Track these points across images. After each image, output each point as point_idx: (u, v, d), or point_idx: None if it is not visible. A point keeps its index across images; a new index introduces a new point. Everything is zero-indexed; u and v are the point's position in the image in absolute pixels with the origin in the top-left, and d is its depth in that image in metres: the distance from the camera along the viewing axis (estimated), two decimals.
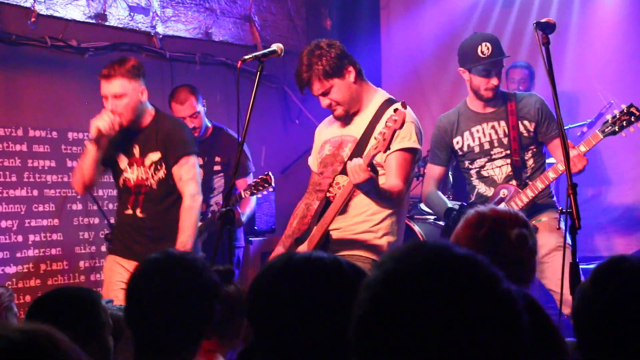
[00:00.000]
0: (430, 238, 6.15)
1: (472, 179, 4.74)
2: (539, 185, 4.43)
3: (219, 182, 5.79)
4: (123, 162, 4.78)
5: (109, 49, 6.67)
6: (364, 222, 4.06)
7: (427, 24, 8.27)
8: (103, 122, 4.56)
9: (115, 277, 4.69)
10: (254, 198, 5.54)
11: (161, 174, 4.70)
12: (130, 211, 4.75)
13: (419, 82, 8.54)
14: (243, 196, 5.28)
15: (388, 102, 4.13)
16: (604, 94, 6.49)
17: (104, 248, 6.38)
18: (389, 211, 4.04)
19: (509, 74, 6.96)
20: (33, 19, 6.17)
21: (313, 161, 4.49)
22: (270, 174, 5.09)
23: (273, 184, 5.08)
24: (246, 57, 3.88)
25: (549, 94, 3.58)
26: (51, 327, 1.45)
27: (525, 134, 4.62)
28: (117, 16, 6.78)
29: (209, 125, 5.89)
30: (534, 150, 4.66)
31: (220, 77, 7.42)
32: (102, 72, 4.65)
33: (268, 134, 7.71)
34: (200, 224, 5.62)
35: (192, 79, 7.13)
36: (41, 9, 6.24)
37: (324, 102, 4.13)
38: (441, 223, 6.45)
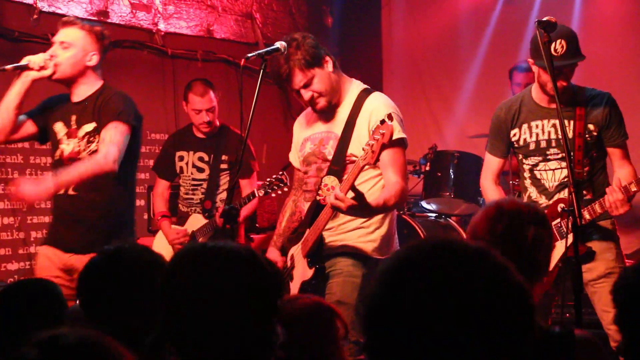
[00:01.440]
0: (432, 235, 6.16)
1: (525, 175, 4.40)
2: (598, 209, 4.09)
3: (225, 179, 5.78)
4: (61, 131, 4.36)
5: (111, 46, 6.67)
6: (355, 220, 4.03)
7: (429, 21, 8.29)
8: (36, 57, 4.18)
9: (46, 273, 4.20)
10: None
11: (94, 146, 4.28)
12: (62, 190, 4.24)
13: (420, 79, 8.55)
14: (256, 195, 5.25)
15: (364, 93, 4.07)
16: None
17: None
18: None
19: (513, 77, 6.92)
20: (35, 16, 6.19)
21: (294, 158, 4.41)
22: (285, 173, 5.06)
23: (288, 184, 5.03)
24: (250, 55, 3.85)
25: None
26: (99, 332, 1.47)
27: (589, 139, 4.27)
28: (119, 13, 6.78)
29: (217, 122, 5.88)
30: (595, 154, 4.31)
31: (221, 74, 7.44)
32: (62, 19, 4.36)
33: (269, 132, 7.72)
34: (205, 221, 5.65)
35: (194, 76, 7.14)
36: (43, 5, 6.25)
37: (306, 94, 4.00)
38: (442, 220, 6.48)
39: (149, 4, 6.99)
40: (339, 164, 3.98)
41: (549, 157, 4.27)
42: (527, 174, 4.39)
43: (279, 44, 3.93)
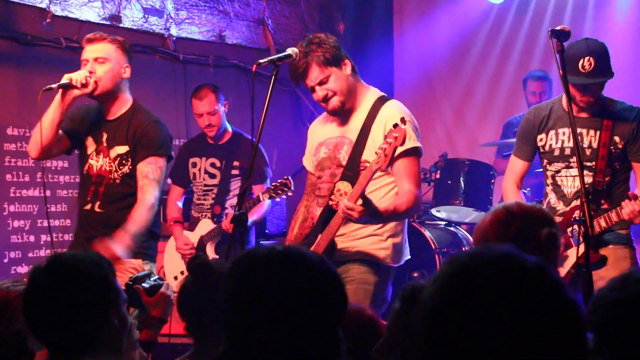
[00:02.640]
0: (441, 244, 6.15)
1: (547, 181, 4.43)
2: (614, 217, 4.10)
3: (235, 185, 5.80)
4: (91, 146, 4.42)
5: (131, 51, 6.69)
6: (368, 226, 4.04)
7: (440, 29, 8.28)
8: (77, 74, 4.19)
9: None
10: (267, 202, 5.51)
11: (126, 169, 4.36)
12: (88, 206, 4.37)
13: (431, 87, 8.54)
14: (261, 199, 5.26)
15: (381, 100, 4.09)
16: None
17: None
18: None
19: (527, 85, 6.90)
20: (48, 20, 6.21)
21: (308, 163, 4.41)
22: (289, 178, 5.06)
23: (292, 188, 5.03)
24: (261, 60, 3.86)
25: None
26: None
27: (614, 150, 4.27)
28: (132, 18, 6.80)
29: (229, 129, 5.88)
30: (618, 167, 4.31)
31: (233, 79, 7.44)
32: (87, 36, 4.38)
33: (280, 137, 7.71)
34: (214, 226, 5.66)
35: (205, 82, 7.15)
36: (56, 10, 6.27)
37: (320, 92, 4.03)
38: (452, 229, 6.46)
39: (161, 9, 7.01)
40: (352, 170, 3.98)
41: (572, 164, 4.27)
42: (549, 180, 4.40)
43: (291, 50, 3.93)
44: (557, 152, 4.34)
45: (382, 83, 8.24)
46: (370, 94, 4.13)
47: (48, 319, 2.32)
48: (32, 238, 6.23)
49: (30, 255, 6.20)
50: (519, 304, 1.32)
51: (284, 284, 1.82)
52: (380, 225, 4.02)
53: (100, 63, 4.27)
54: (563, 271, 4.17)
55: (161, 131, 4.45)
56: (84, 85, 4.20)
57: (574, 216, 4.22)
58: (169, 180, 6.01)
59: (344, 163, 4.06)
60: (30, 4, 6.17)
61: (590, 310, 1.89)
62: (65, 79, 4.17)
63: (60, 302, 2.32)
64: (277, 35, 7.93)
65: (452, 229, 6.46)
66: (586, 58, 4.10)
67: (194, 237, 5.77)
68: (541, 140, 4.41)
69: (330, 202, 4.03)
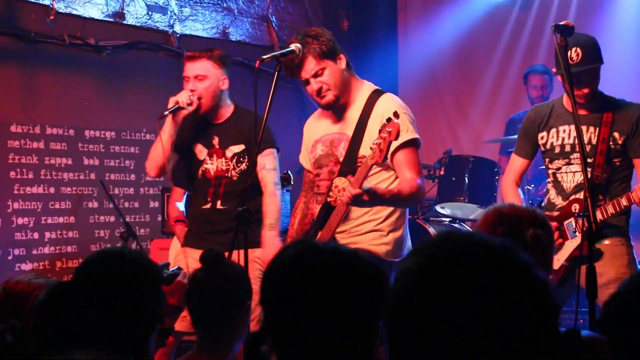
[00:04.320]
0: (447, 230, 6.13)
1: (549, 180, 4.47)
2: (610, 209, 4.12)
3: None
4: (202, 153, 4.69)
5: (126, 48, 6.70)
6: (369, 222, 4.03)
7: (444, 26, 8.26)
8: (182, 96, 4.50)
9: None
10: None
11: (243, 166, 4.63)
12: (208, 205, 4.65)
13: (436, 84, 8.54)
14: None
15: (376, 94, 4.06)
16: None
17: (119, 246, 6.40)
18: (391, 208, 4.02)
19: (529, 80, 6.93)
20: (52, 17, 6.21)
21: (305, 160, 4.43)
22: (289, 172, 5.10)
23: (292, 182, 5.07)
24: (265, 56, 3.85)
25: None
26: None
27: (613, 147, 4.29)
28: (135, 15, 6.80)
29: None
30: (617, 164, 4.33)
31: (236, 76, 7.43)
32: (188, 54, 4.70)
33: (283, 134, 7.69)
34: None
35: None
36: (60, 7, 6.28)
37: (315, 85, 4.01)
38: (457, 225, 6.46)
39: (164, 5, 7.00)
40: (350, 166, 3.97)
41: (572, 161, 4.30)
42: (550, 178, 4.44)
43: (294, 47, 3.93)
44: (557, 150, 4.37)
45: (386, 80, 8.25)
46: (364, 88, 4.12)
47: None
48: (36, 235, 6.24)
49: (34, 252, 6.21)
50: (487, 291, 1.31)
51: (321, 280, 1.83)
52: (380, 220, 4.01)
53: (200, 80, 4.55)
54: (557, 264, 4.18)
55: (268, 127, 4.59)
56: (190, 104, 4.50)
57: (574, 210, 4.24)
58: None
59: (341, 159, 4.06)
60: (33, 1, 6.18)
61: (603, 314, 1.89)
62: (172, 103, 4.47)
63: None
64: (281, 32, 7.92)
65: (456, 225, 6.45)
66: (573, 49, 4.15)
67: None
68: (542, 138, 4.44)
69: (329, 199, 4.03)
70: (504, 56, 7.97)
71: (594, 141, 4.26)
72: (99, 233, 6.57)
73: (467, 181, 6.18)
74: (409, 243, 4.18)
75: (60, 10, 6.27)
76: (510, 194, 4.53)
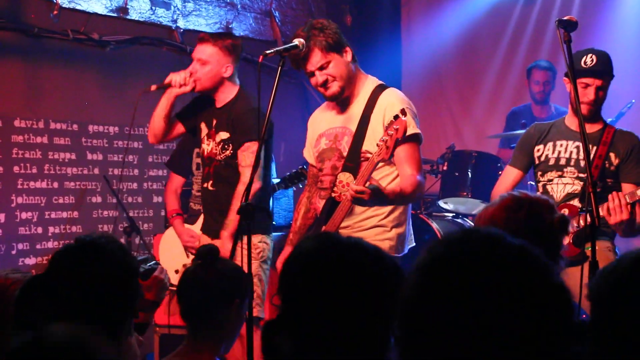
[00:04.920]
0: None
1: (537, 193, 4.54)
2: (600, 212, 4.10)
3: None
4: (204, 131, 4.90)
5: (130, 43, 6.70)
6: (372, 217, 4.05)
7: (448, 22, 8.26)
8: (177, 76, 4.74)
9: None
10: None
11: (228, 152, 4.76)
12: (206, 184, 4.90)
13: (439, 80, 8.53)
14: (276, 188, 5.33)
15: (379, 88, 4.08)
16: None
17: (122, 241, 6.40)
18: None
19: (532, 75, 6.95)
20: (55, 12, 6.21)
21: (309, 154, 4.43)
22: (305, 167, 5.13)
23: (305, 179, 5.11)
24: (268, 51, 3.86)
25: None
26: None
27: (607, 166, 4.40)
28: (139, 10, 6.80)
29: None
30: (609, 184, 4.40)
31: (240, 71, 7.42)
32: (200, 35, 4.86)
33: (287, 130, 7.70)
34: None
35: None
36: (63, 2, 6.28)
37: (320, 77, 4.03)
38: (459, 220, 6.46)
39: (168, 0, 7.01)
40: (353, 161, 3.98)
41: (565, 174, 4.41)
42: (540, 191, 4.54)
43: (297, 41, 3.93)
44: (552, 162, 4.47)
45: (390, 75, 8.23)
46: (368, 83, 4.12)
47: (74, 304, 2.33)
48: (39, 230, 6.24)
49: (38, 247, 6.22)
50: (502, 294, 1.30)
51: (339, 274, 1.82)
52: (384, 216, 4.02)
53: (201, 64, 4.74)
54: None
55: (255, 117, 4.59)
56: (183, 85, 4.75)
57: (565, 211, 4.30)
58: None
59: (345, 154, 4.06)
60: None
61: (591, 288, 1.88)
62: (167, 80, 4.79)
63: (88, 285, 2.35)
64: (284, 27, 7.92)
65: (459, 220, 6.46)
66: (589, 55, 4.31)
67: (195, 229, 5.76)
68: (538, 151, 4.56)
69: (333, 194, 4.04)
70: (507, 52, 7.97)
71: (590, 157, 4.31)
72: (103, 228, 6.57)
73: (470, 176, 6.19)
74: (410, 237, 4.19)
75: (63, 5, 6.27)
76: None
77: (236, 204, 4.56)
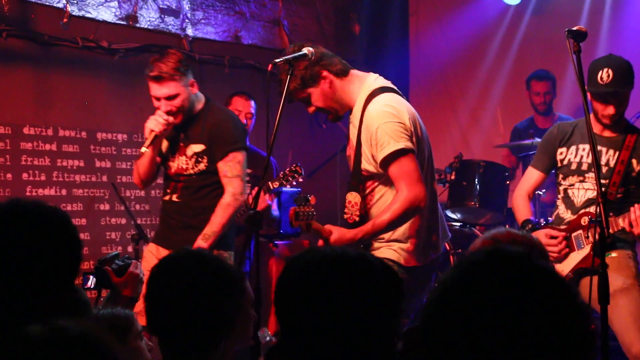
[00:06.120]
0: (456, 245, 6.14)
1: (558, 196, 4.52)
2: (620, 222, 4.15)
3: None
4: (167, 149, 4.78)
5: (139, 51, 6.72)
6: (387, 232, 4.01)
7: (456, 31, 8.26)
8: (158, 124, 4.56)
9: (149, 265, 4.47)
10: None
11: (202, 165, 4.65)
12: (168, 197, 4.75)
13: (447, 89, 8.53)
14: (271, 187, 5.32)
15: (367, 100, 3.96)
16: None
17: (130, 248, 6.41)
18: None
19: (532, 86, 6.95)
20: (65, 20, 6.23)
21: None
22: (299, 164, 5.12)
23: (302, 174, 5.11)
24: (277, 60, 3.87)
25: (579, 101, 3.55)
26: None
27: (630, 172, 4.35)
28: (148, 18, 6.82)
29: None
30: (632, 189, 4.36)
31: (248, 79, 7.45)
32: (151, 74, 4.58)
33: (295, 138, 7.72)
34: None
35: (221, 82, 7.17)
36: (73, 9, 6.30)
37: (311, 109, 4.10)
38: (467, 230, 6.45)
39: (177, 9, 7.03)
40: (357, 179, 3.99)
41: (587, 179, 4.33)
42: (561, 195, 4.46)
43: (306, 50, 3.92)
44: (574, 166, 4.40)
45: (398, 84, 8.15)
46: (363, 91, 4.01)
47: None
48: None
49: None
50: (526, 314, 1.30)
51: (334, 287, 1.82)
52: (389, 234, 3.98)
53: (172, 100, 4.57)
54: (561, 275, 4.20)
55: (235, 127, 4.73)
56: (167, 127, 4.59)
57: (583, 223, 4.26)
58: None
59: (351, 173, 4.10)
60: (47, 3, 6.21)
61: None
62: (148, 133, 4.57)
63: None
64: (293, 36, 7.93)
65: (466, 230, 6.44)
66: (605, 70, 4.19)
67: None
68: (561, 154, 4.48)
69: (345, 216, 4.07)
70: (516, 61, 7.96)
71: (611, 163, 4.30)
72: (111, 235, 6.59)
73: (477, 186, 6.18)
74: (425, 252, 4.09)
75: (73, 13, 6.30)
76: (520, 204, 4.56)
77: (223, 215, 4.56)
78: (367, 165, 3.93)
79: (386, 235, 3.97)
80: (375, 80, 4.07)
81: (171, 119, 4.58)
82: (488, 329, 1.29)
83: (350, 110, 4.07)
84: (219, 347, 2.35)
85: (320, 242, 3.86)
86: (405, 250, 3.97)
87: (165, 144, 4.77)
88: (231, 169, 4.61)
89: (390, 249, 3.97)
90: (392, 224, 3.85)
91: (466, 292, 1.34)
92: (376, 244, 4.01)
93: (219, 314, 2.32)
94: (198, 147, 4.65)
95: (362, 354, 1.79)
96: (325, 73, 3.98)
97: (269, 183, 5.30)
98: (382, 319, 1.82)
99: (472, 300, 1.32)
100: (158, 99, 4.59)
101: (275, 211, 5.85)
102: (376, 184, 3.99)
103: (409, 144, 3.82)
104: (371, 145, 3.85)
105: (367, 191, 4.01)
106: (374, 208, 4.00)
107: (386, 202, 3.92)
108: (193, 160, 4.65)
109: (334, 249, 1.93)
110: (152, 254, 4.71)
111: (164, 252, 4.48)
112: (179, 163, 4.69)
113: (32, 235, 2.10)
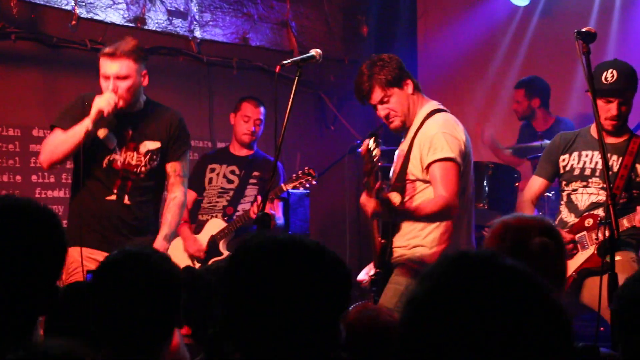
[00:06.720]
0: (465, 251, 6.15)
1: (562, 202, 4.58)
2: (625, 223, 4.20)
3: (251, 192, 5.92)
4: (111, 140, 4.49)
5: (147, 53, 6.71)
6: (415, 237, 4.16)
7: (464, 32, 8.24)
8: (109, 105, 4.32)
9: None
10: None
11: (155, 164, 4.52)
12: (114, 197, 4.48)
13: (455, 91, 8.51)
14: (284, 189, 5.37)
15: (431, 114, 4.22)
16: None
17: None
18: (434, 224, 4.11)
19: (514, 94, 7.05)
20: (74, 22, 6.24)
21: None
22: (312, 168, 5.18)
23: (316, 176, 5.16)
24: (285, 62, 3.89)
25: (587, 102, 3.56)
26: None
27: (633, 177, 4.39)
28: (156, 20, 6.83)
29: (255, 146, 6.14)
30: (635, 194, 4.40)
31: (256, 82, 7.45)
32: (106, 50, 4.46)
33: (303, 140, 7.72)
34: (225, 224, 5.74)
35: (229, 84, 7.18)
36: (82, 12, 6.31)
37: (383, 111, 4.21)
38: (475, 232, 6.44)
39: (185, 11, 7.04)
40: (401, 181, 4.16)
41: (590, 184, 4.38)
42: (564, 200, 4.52)
43: (314, 52, 3.96)
44: (577, 172, 4.47)
45: None
46: (426, 108, 4.26)
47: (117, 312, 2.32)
48: None
49: None
50: (499, 320, 1.27)
51: (281, 273, 1.80)
52: (424, 236, 4.14)
53: (122, 80, 4.39)
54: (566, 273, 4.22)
55: (186, 125, 4.70)
56: (114, 107, 4.36)
57: (587, 225, 4.30)
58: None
59: (396, 175, 4.24)
60: (55, 6, 6.22)
61: (615, 304, 1.87)
62: (95, 112, 4.31)
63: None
64: (300, 38, 7.93)
65: (476, 232, 6.43)
66: (609, 71, 4.29)
67: (203, 237, 5.83)
68: (563, 160, 4.57)
69: None
70: (525, 63, 7.94)
71: (615, 168, 4.35)
72: None
73: (486, 187, 6.17)
74: None
75: (81, 16, 6.31)
76: (524, 209, 4.68)
77: (179, 214, 4.55)
78: (414, 168, 4.12)
79: (413, 242, 4.12)
80: (438, 104, 4.33)
81: (120, 102, 4.39)
82: (463, 340, 1.27)
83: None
84: (161, 348, 2.38)
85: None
86: (428, 257, 4.10)
87: (108, 135, 4.50)
88: (183, 168, 4.59)
89: (416, 257, 4.10)
90: (427, 217, 4.03)
91: (436, 307, 1.31)
92: (400, 251, 4.14)
93: (163, 314, 2.35)
94: (153, 145, 4.53)
95: (305, 343, 1.77)
96: (409, 80, 4.23)
97: (282, 185, 5.36)
98: (328, 308, 1.81)
99: (443, 314, 1.30)
100: (107, 77, 4.40)
101: (280, 219, 5.86)
102: (417, 190, 4.14)
103: (459, 158, 4.04)
104: (423, 146, 4.05)
105: (407, 197, 4.15)
106: None
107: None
108: (147, 157, 4.50)
109: (292, 236, 1.93)
110: (96, 260, 4.12)
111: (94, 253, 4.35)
112: (127, 158, 4.49)
113: (16, 233, 2.02)
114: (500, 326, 1.27)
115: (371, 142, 3.65)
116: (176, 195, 4.53)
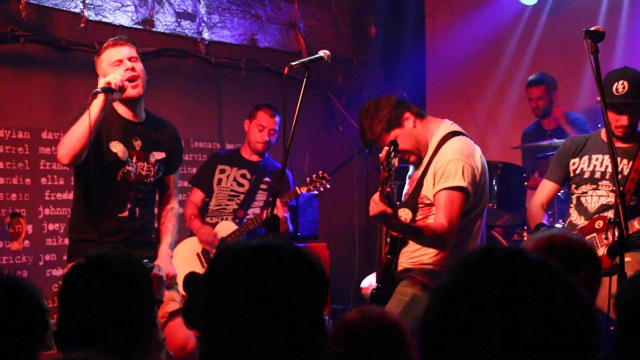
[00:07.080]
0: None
1: (571, 205, 4.59)
2: (636, 225, 4.23)
3: (261, 197, 5.96)
4: (123, 153, 4.23)
5: (156, 55, 6.74)
6: (423, 255, 4.15)
7: (472, 32, 8.24)
8: (117, 78, 4.01)
9: None
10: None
11: (160, 174, 4.41)
12: (126, 213, 4.26)
13: (464, 90, 8.51)
14: (298, 192, 5.39)
15: (446, 137, 4.18)
16: None
17: None
18: None
19: (527, 93, 7.00)
20: (82, 25, 6.26)
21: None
22: (326, 171, 5.20)
23: (330, 179, 5.18)
24: (293, 63, 3.89)
25: (595, 100, 3.56)
26: None
27: None
28: (164, 22, 6.85)
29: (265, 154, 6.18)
30: None
31: (265, 83, 7.46)
32: (108, 42, 4.25)
33: (311, 141, 7.72)
34: (236, 227, 5.76)
35: (237, 85, 7.19)
36: (90, 14, 6.33)
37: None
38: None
39: (193, 12, 7.05)
40: (414, 199, 4.15)
41: (600, 187, 4.38)
42: (573, 203, 4.53)
43: (322, 53, 3.95)
44: (587, 175, 4.48)
45: (414, 86, 8.22)
46: (440, 131, 4.22)
47: (90, 316, 2.32)
48: (67, 241, 6.25)
49: (65, 258, 6.25)
50: (524, 311, 1.29)
51: (260, 277, 1.81)
52: (432, 255, 4.11)
53: (134, 62, 4.21)
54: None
55: (179, 136, 4.63)
56: (121, 88, 4.04)
57: (597, 227, 4.30)
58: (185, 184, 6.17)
59: (409, 194, 4.23)
60: (64, 9, 6.24)
61: (618, 295, 1.87)
62: (103, 83, 4.00)
63: (99, 300, 2.33)
64: (309, 39, 7.94)
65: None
66: (620, 82, 4.29)
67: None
68: (574, 164, 4.59)
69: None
70: (533, 62, 7.93)
71: (625, 172, 4.36)
72: None
73: (495, 187, 6.16)
74: None
75: (90, 18, 6.32)
76: (534, 212, 4.72)
77: (176, 223, 4.51)
78: (428, 192, 4.10)
79: (423, 259, 4.12)
80: (451, 124, 4.29)
81: (139, 83, 4.17)
82: (490, 329, 1.28)
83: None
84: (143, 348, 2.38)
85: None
86: (435, 274, 4.09)
87: (118, 147, 4.24)
88: (178, 179, 4.60)
89: (422, 271, 4.07)
90: (421, 238, 3.99)
91: (465, 294, 1.33)
92: (406, 266, 4.16)
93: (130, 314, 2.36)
94: (160, 155, 4.39)
95: (289, 343, 1.80)
96: (407, 114, 4.17)
97: (297, 189, 5.40)
98: (307, 309, 1.83)
99: (472, 302, 1.31)
100: (119, 61, 4.16)
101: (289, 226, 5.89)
102: (429, 214, 4.12)
103: (469, 188, 4.00)
104: (437, 172, 4.04)
105: (419, 217, 4.15)
106: None
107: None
108: (156, 168, 4.36)
109: (267, 239, 1.95)
110: None
111: None
112: (140, 169, 4.30)
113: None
114: (527, 317, 1.28)
115: (391, 150, 3.64)
116: (173, 206, 4.51)
